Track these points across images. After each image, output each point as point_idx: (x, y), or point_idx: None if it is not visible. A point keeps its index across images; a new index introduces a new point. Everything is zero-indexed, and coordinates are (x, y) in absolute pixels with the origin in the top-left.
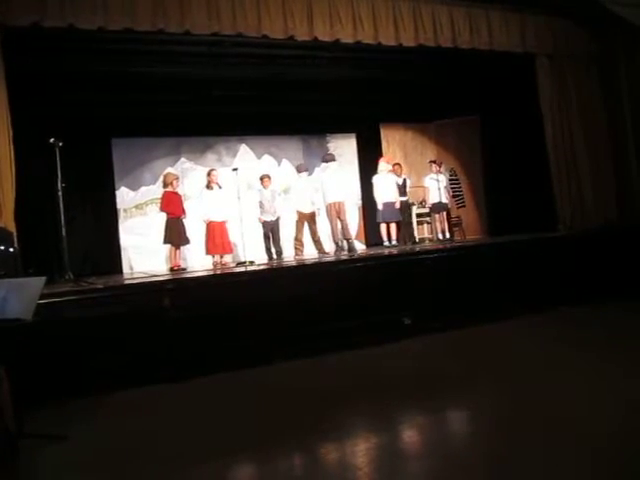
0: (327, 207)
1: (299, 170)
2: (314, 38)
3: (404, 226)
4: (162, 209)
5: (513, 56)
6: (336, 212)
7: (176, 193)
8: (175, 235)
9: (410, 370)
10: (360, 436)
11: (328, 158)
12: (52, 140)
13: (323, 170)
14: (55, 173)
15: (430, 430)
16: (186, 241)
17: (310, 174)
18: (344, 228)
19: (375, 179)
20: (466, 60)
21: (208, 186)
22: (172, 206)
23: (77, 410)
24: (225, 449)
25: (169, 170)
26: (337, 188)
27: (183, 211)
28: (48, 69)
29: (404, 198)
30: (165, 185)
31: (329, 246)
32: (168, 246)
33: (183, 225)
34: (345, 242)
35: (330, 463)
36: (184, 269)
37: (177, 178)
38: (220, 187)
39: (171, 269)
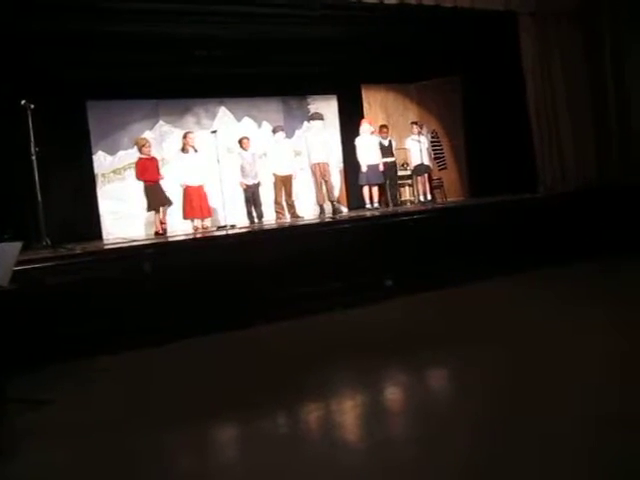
0: (312, 167)
1: (275, 131)
2: None
3: (390, 188)
4: (138, 178)
5: (495, 14)
6: (321, 173)
7: (151, 158)
8: (157, 200)
9: (392, 331)
10: (344, 395)
11: (314, 116)
12: (23, 102)
13: (308, 129)
14: (28, 137)
15: (413, 388)
16: (168, 202)
17: (290, 137)
18: (329, 190)
19: (358, 141)
20: (448, 19)
21: (184, 149)
22: (147, 173)
23: (60, 376)
24: (210, 410)
25: (147, 134)
26: (322, 148)
27: (159, 174)
28: (17, 28)
29: (391, 159)
30: (139, 151)
31: (313, 209)
32: (150, 211)
33: (161, 188)
34: (330, 204)
35: (314, 422)
36: (164, 233)
37: (146, 143)
38: (196, 150)
39: (156, 233)
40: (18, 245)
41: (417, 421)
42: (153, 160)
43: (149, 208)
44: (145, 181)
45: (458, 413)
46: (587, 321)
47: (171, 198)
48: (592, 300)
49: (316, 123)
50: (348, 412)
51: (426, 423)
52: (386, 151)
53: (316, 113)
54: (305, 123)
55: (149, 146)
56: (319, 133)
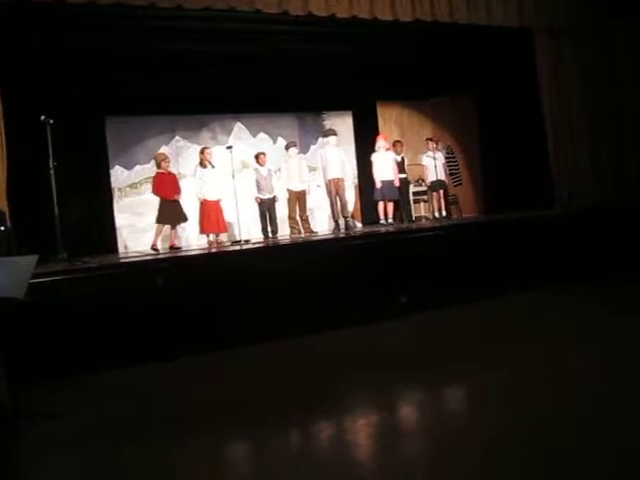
0: (327, 183)
1: (288, 147)
2: (308, 13)
3: (402, 204)
4: (154, 192)
5: (511, 31)
6: (335, 188)
7: (169, 173)
8: (169, 215)
9: (406, 347)
10: (358, 413)
11: (328, 133)
12: (43, 118)
13: (322, 145)
14: (47, 151)
15: (428, 406)
16: (183, 219)
17: (305, 152)
18: (342, 205)
19: (373, 157)
20: (463, 36)
21: (201, 164)
22: (163, 188)
23: (71, 389)
24: (219, 427)
25: (163, 149)
26: (337, 164)
27: (177, 191)
28: (38, 45)
29: (403, 176)
30: (157, 166)
31: (327, 224)
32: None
33: (178, 204)
34: (343, 220)
35: (328, 440)
36: (179, 248)
37: (165, 158)
38: (213, 166)
39: (171, 247)
40: (34, 258)
41: (430, 440)
42: (171, 175)
43: (158, 221)
44: (161, 196)
45: (471, 433)
46: (599, 337)
47: (187, 213)
48: (607, 317)
49: (330, 139)
50: (363, 431)
51: (439, 443)
52: (398, 167)
53: (329, 129)
54: (320, 139)
55: (168, 162)
56: (334, 149)
